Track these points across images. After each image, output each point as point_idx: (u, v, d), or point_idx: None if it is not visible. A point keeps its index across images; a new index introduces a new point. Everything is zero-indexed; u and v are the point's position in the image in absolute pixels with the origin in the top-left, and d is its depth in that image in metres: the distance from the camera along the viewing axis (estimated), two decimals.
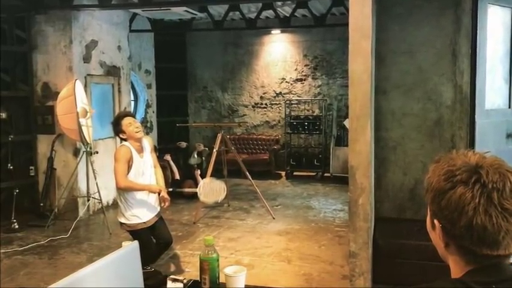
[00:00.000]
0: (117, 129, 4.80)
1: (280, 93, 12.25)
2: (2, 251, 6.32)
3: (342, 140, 10.86)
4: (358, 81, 4.19)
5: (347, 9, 5.09)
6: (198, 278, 2.55)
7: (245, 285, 2.47)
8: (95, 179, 7.50)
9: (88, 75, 8.23)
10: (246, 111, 12.61)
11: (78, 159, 7.81)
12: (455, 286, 1.23)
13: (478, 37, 4.99)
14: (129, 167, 4.69)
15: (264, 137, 12.23)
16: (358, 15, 4.13)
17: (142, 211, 4.81)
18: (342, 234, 6.84)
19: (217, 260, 2.51)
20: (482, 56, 5.05)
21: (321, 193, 9.85)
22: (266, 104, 12.43)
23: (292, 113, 11.84)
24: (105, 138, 8.45)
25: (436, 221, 1.28)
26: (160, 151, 10.01)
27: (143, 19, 10.16)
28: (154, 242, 4.92)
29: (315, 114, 11.72)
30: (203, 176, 8.21)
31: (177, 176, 9.36)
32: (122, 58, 9.28)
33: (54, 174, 8.04)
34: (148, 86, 11.64)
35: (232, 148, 8.46)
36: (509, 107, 5.48)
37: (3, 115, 7.65)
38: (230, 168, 8.86)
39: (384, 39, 5.30)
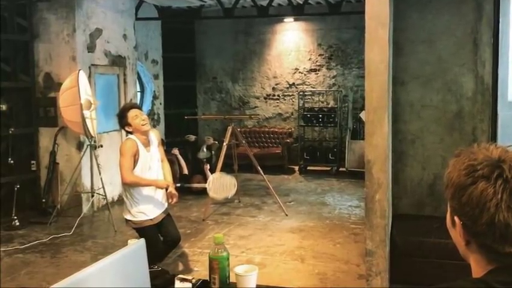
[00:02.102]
0: (123, 121, 4.74)
1: (293, 84, 12.14)
2: (2, 249, 6.29)
3: (358, 133, 10.79)
4: (374, 71, 4.16)
5: None
6: (207, 278, 2.54)
7: (256, 285, 2.47)
8: (100, 174, 7.44)
9: (92, 65, 8.16)
10: (257, 103, 12.52)
11: (82, 153, 7.75)
12: (476, 286, 1.22)
13: (500, 25, 4.95)
14: (135, 162, 4.64)
15: (276, 130, 12.12)
16: (375, 2, 4.11)
17: (149, 207, 4.77)
18: (357, 231, 6.79)
19: (228, 259, 2.49)
20: (505, 45, 5.10)
21: (336, 189, 9.78)
22: (278, 96, 12.33)
23: (306, 105, 11.76)
24: (110, 131, 8.40)
25: (456, 218, 1.27)
26: (167, 145, 10.03)
27: (150, 6, 10.10)
28: (161, 239, 4.87)
29: (329, 106, 11.61)
30: (213, 170, 8.27)
31: (186, 171, 9.41)
32: (128, 47, 9.20)
33: (57, 169, 7.97)
34: (155, 77, 11.66)
35: (243, 141, 8.44)
36: None
37: (4, 107, 7.59)
38: (241, 162, 8.77)
39: (402, 27, 5.23)
